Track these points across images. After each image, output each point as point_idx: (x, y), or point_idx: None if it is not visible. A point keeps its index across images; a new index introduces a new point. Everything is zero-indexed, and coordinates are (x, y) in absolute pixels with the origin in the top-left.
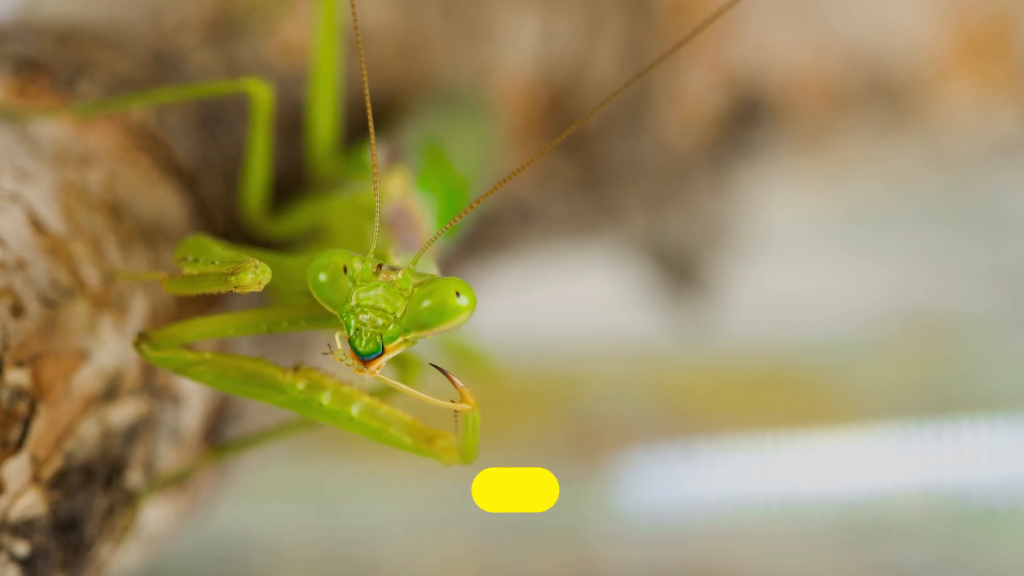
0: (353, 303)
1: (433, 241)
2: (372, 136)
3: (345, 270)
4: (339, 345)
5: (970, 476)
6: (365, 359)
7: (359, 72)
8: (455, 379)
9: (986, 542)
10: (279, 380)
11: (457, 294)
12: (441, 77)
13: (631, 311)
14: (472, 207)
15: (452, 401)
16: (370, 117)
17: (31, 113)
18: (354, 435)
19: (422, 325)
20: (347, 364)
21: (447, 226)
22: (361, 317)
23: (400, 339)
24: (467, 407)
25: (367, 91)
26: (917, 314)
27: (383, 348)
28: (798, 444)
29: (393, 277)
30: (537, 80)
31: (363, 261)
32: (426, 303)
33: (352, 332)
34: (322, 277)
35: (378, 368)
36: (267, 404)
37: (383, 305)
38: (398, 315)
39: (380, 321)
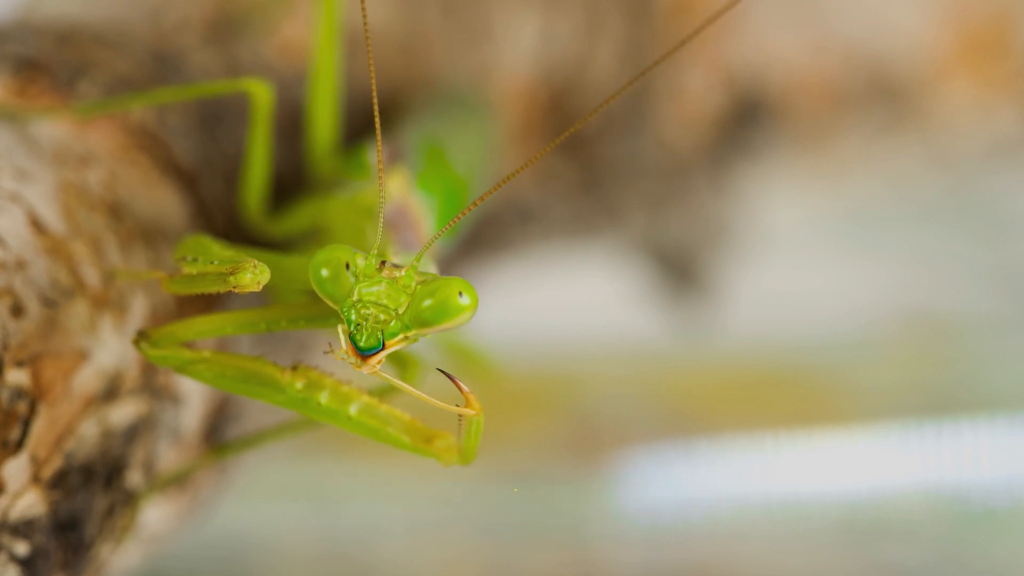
0: (355, 298)
1: (434, 240)
2: (379, 136)
3: (348, 267)
4: (341, 339)
5: (970, 476)
6: (364, 354)
7: (359, 72)
8: (461, 384)
9: (986, 542)
10: (278, 379)
11: (460, 293)
12: (441, 77)
13: (631, 311)
14: (472, 207)
15: (457, 405)
16: (376, 117)
17: (31, 113)
18: (354, 435)
19: (423, 323)
20: (348, 360)
21: (448, 225)
22: (363, 312)
23: (400, 336)
24: (472, 412)
25: (374, 91)
26: (917, 314)
27: (383, 344)
28: (798, 444)
29: (396, 274)
30: (537, 80)
31: (366, 257)
32: (428, 301)
33: (353, 327)
34: (324, 272)
35: (377, 363)
36: (266, 403)
37: (385, 301)
38: (400, 312)
39: (382, 317)
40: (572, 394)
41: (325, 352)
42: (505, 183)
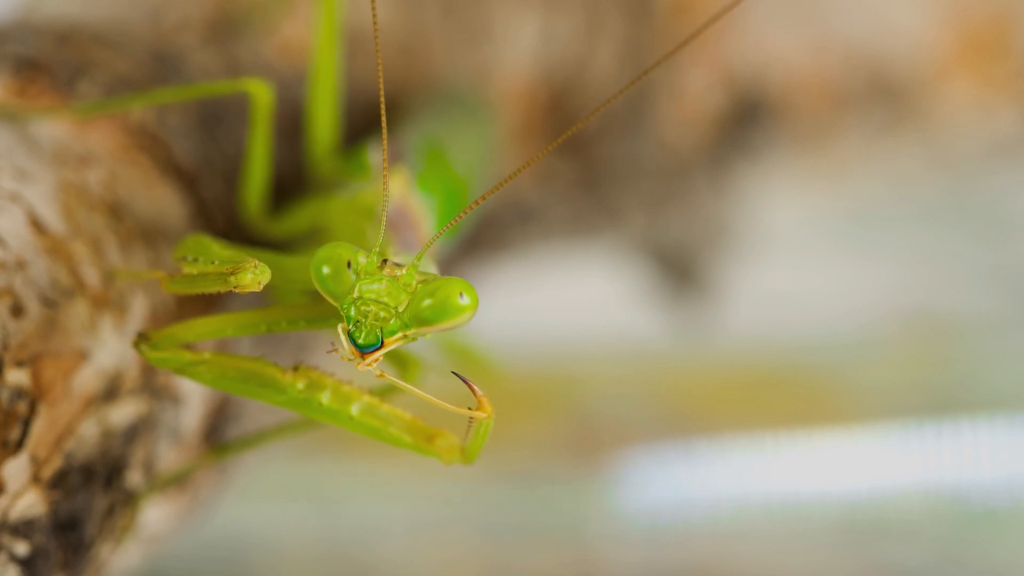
0: (356, 295)
1: (435, 240)
2: (384, 136)
3: (349, 265)
4: (341, 338)
5: (970, 476)
6: (363, 351)
7: (359, 72)
8: (475, 387)
9: (986, 542)
10: (279, 380)
11: (460, 294)
12: (441, 77)
13: (631, 311)
14: (472, 207)
15: (470, 408)
16: (383, 117)
17: (31, 113)
18: (354, 435)
19: (423, 322)
20: (348, 358)
21: (448, 225)
22: (363, 309)
23: (400, 334)
24: (483, 415)
25: (382, 90)
26: (917, 314)
27: (382, 341)
28: (798, 444)
29: (398, 273)
30: (537, 80)
31: (368, 255)
32: (428, 301)
33: (352, 324)
34: (326, 269)
35: (375, 361)
36: (267, 404)
37: (386, 299)
38: (400, 310)
39: (382, 314)
40: (572, 394)
41: (328, 351)
42: (505, 184)
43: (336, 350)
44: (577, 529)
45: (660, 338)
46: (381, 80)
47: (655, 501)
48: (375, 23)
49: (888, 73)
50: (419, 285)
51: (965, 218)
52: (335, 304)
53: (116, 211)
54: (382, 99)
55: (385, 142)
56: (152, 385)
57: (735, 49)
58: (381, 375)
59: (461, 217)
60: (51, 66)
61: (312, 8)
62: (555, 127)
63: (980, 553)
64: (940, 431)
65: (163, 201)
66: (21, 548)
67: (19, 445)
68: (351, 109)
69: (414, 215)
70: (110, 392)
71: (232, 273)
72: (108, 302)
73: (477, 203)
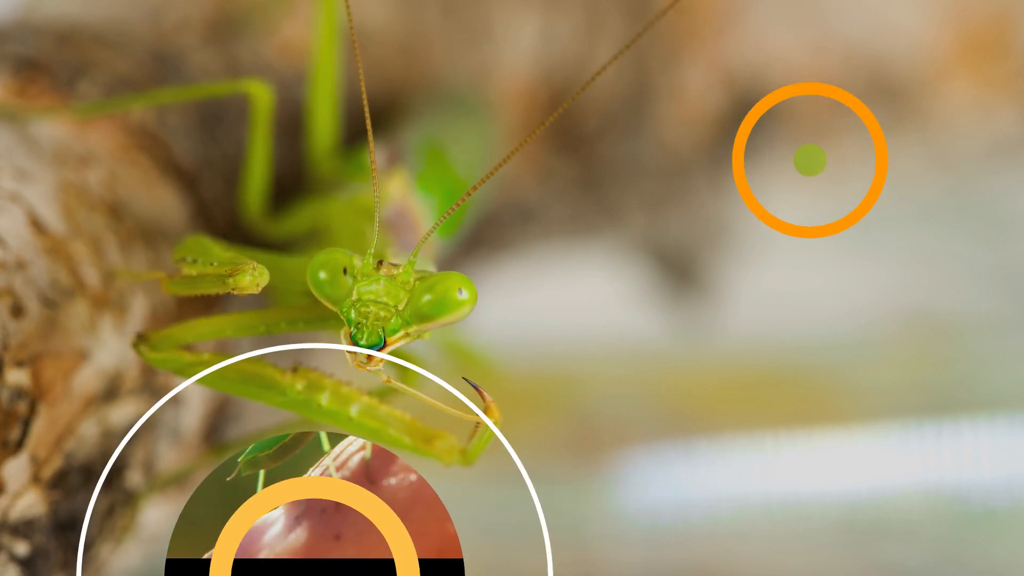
0: (355, 297)
1: (431, 233)
2: (370, 137)
3: (345, 271)
4: (342, 341)
5: (970, 476)
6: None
7: (358, 72)
8: (485, 393)
9: (986, 542)
10: (278, 381)
11: (459, 288)
12: (441, 77)
13: (631, 311)
14: (463, 200)
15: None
16: (367, 118)
17: (31, 113)
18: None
19: (423, 317)
20: (360, 362)
21: (443, 217)
22: (363, 310)
23: (402, 332)
24: (492, 420)
25: (364, 92)
26: (917, 314)
27: (384, 341)
28: (798, 444)
29: (394, 271)
30: (537, 80)
31: (363, 258)
32: (427, 296)
33: (354, 327)
34: (322, 275)
35: (380, 361)
36: (266, 405)
37: (385, 298)
38: (400, 307)
39: (382, 314)
40: (572, 394)
41: (351, 345)
42: (496, 170)
43: (355, 357)
44: (577, 529)
45: (660, 338)
46: (363, 81)
47: (655, 501)
48: (351, 24)
49: (888, 73)
50: (417, 282)
51: (965, 218)
52: (334, 309)
53: (116, 211)
54: (364, 101)
55: (371, 144)
56: (152, 385)
57: (735, 49)
58: (387, 381)
59: (453, 211)
60: (51, 66)
61: (312, 8)
62: (555, 127)
63: (980, 553)
64: (940, 431)
65: (163, 201)
66: (21, 548)
67: (19, 445)
68: (351, 109)
69: (413, 216)
70: (110, 392)
71: (231, 275)
72: (108, 302)
73: (468, 194)
